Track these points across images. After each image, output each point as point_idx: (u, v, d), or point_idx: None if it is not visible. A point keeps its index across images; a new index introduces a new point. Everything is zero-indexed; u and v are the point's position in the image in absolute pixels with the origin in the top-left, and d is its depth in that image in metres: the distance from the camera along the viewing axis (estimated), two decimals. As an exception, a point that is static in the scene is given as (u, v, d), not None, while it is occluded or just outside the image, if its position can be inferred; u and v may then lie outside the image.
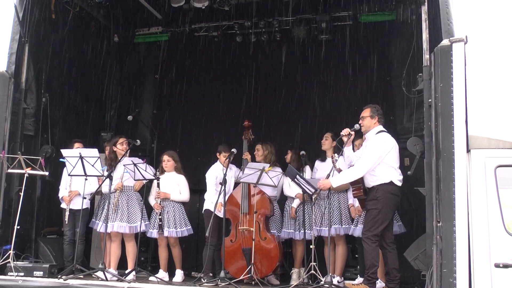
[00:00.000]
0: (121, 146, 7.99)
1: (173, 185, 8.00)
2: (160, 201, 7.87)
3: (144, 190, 8.04)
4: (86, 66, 9.73)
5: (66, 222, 7.92)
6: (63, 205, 8.02)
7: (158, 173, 8.02)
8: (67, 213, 7.90)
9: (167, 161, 8.07)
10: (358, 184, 6.65)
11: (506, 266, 5.50)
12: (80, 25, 9.38)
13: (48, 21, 8.55)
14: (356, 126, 6.73)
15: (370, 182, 6.55)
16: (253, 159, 8.08)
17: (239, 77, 10.39)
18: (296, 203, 7.82)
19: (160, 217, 7.81)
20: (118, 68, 10.78)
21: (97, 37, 10.03)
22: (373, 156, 6.46)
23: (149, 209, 8.10)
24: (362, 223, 7.08)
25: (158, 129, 10.59)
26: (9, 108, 7.62)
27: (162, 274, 7.79)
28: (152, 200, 8.05)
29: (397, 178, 6.52)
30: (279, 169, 7.69)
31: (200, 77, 10.60)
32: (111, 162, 7.94)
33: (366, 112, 6.77)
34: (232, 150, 7.74)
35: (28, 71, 8.05)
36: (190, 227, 8.02)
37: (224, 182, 7.33)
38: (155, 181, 7.98)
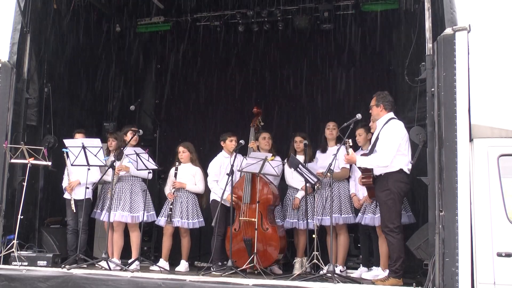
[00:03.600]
0: (131, 135, 7.99)
1: (189, 176, 8.01)
2: (175, 191, 7.90)
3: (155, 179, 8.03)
4: (88, 56, 9.72)
5: (75, 211, 7.93)
6: (66, 195, 8.04)
7: (177, 163, 8.04)
8: (72, 203, 7.93)
9: (182, 152, 8.07)
10: (369, 172, 6.60)
11: (508, 255, 5.50)
12: (81, 15, 9.34)
13: (50, 11, 8.53)
14: (358, 116, 6.69)
15: (379, 170, 6.49)
16: (258, 148, 8.06)
17: (241, 66, 10.39)
18: (300, 194, 7.82)
19: (171, 206, 7.83)
20: (120, 58, 10.78)
21: (99, 27, 10.02)
22: (392, 145, 6.34)
23: (162, 199, 8.12)
24: (372, 212, 7.09)
25: (160, 119, 10.60)
26: (12, 98, 7.61)
27: (163, 263, 7.81)
28: (167, 190, 8.08)
29: (407, 166, 6.45)
30: (279, 158, 7.72)
31: (202, 67, 10.59)
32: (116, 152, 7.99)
33: (372, 101, 6.73)
34: (240, 141, 7.72)
35: (30, 61, 8.03)
36: (202, 219, 8.03)
37: (231, 173, 7.31)
38: (172, 172, 8.02)
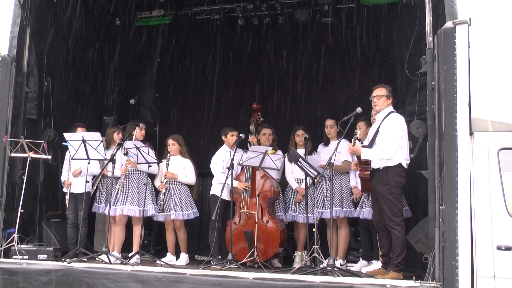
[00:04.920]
0: (139, 132, 8.01)
1: (179, 168, 8.03)
2: (166, 182, 7.90)
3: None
4: (87, 49, 9.70)
5: (67, 206, 7.97)
6: (64, 189, 8.06)
7: (169, 155, 8.04)
8: (67, 197, 7.97)
9: (171, 145, 8.09)
10: (368, 165, 6.59)
11: (508, 248, 5.51)
12: (81, 9, 9.32)
13: (49, 5, 8.50)
14: (358, 109, 6.67)
15: (378, 163, 6.47)
16: (259, 143, 8.05)
17: (241, 60, 10.37)
18: (303, 185, 7.80)
19: (163, 197, 7.83)
20: (120, 52, 10.74)
21: (99, 20, 9.99)
22: (395, 138, 6.32)
23: (156, 193, 8.13)
24: (370, 205, 7.08)
25: (160, 113, 10.60)
26: (11, 92, 7.60)
27: (170, 257, 7.88)
28: (157, 183, 8.08)
29: (405, 161, 6.45)
30: (280, 152, 7.74)
31: (202, 61, 10.58)
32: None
33: (382, 91, 6.60)
34: (241, 135, 7.73)
35: (29, 54, 8.01)
36: (196, 210, 8.06)
37: (231, 166, 7.32)
38: (163, 164, 8.02)
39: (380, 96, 6.60)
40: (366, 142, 6.71)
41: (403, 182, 6.46)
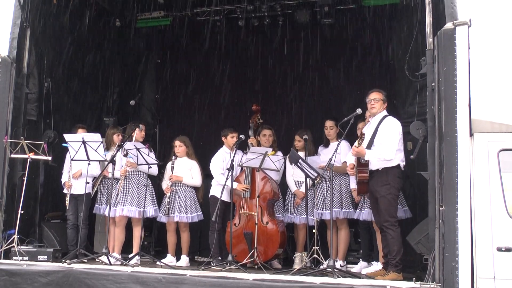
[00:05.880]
0: (139, 133, 8.01)
1: (185, 170, 8.00)
2: (172, 185, 7.88)
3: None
4: (88, 50, 9.71)
5: (68, 207, 7.97)
6: (65, 190, 8.05)
7: (173, 158, 8.01)
8: (67, 198, 7.97)
9: (179, 146, 8.06)
10: (367, 167, 6.61)
11: (508, 250, 5.51)
12: (81, 10, 9.33)
13: (50, 6, 8.50)
14: (358, 111, 6.68)
15: (377, 165, 6.52)
16: (258, 144, 8.05)
17: (242, 61, 10.36)
18: (303, 188, 7.81)
19: (168, 200, 7.82)
20: (120, 53, 10.76)
21: (99, 21, 9.99)
22: (395, 140, 6.45)
23: (162, 194, 8.12)
24: (369, 207, 7.08)
25: (160, 114, 10.60)
26: (12, 93, 7.60)
27: (170, 258, 7.85)
28: (164, 185, 8.07)
29: (402, 162, 6.56)
30: (280, 153, 7.73)
31: (202, 62, 10.58)
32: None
33: (379, 95, 6.72)
34: (241, 136, 7.72)
35: (30, 56, 8.01)
36: (200, 213, 8.03)
37: (231, 168, 7.32)
38: (168, 166, 8.01)
39: (377, 99, 6.72)
40: (364, 144, 6.73)
41: (401, 183, 6.58)
